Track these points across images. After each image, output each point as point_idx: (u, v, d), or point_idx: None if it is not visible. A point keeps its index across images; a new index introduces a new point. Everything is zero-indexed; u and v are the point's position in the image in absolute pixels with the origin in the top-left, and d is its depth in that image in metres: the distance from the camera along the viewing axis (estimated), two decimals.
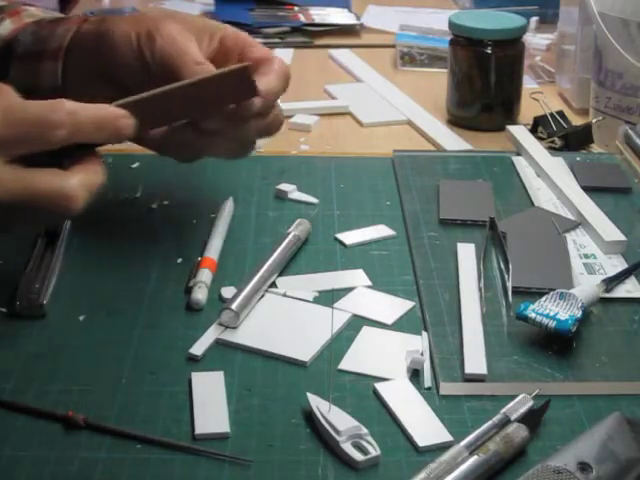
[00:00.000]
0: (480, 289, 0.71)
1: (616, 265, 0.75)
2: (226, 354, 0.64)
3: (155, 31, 0.70)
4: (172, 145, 0.72)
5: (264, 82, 0.68)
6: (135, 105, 0.62)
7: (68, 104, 0.58)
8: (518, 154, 0.95)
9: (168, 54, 0.69)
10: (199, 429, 0.57)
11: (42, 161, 0.58)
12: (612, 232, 0.78)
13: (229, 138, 0.71)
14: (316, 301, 0.70)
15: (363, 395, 0.61)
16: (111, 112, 0.60)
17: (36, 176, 0.57)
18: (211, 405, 0.59)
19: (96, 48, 0.72)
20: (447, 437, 0.57)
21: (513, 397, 0.58)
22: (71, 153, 0.59)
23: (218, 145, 0.72)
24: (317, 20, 1.42)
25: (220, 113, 0.67)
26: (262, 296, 0.70)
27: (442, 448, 0.55)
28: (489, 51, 1.02)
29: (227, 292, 0.70)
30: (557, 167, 0.90)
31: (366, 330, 0.67)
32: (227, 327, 0.66)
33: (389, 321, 0.68)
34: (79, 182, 0.58)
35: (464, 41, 1.03)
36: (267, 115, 0.71)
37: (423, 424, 0.58)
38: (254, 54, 0.73)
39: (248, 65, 0.65)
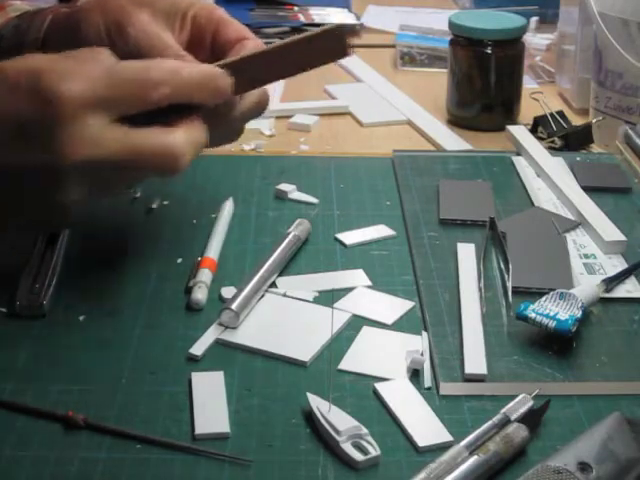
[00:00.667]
0: (480, 289, 0.71)
1: (616, 265, 0.75)
2: (226, 354, 0.64)
3: (125, 23, 0.67)
4: None
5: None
6: (233, 66, 0.62)
7: (168, 63, 0.59)
8: (518, 154, 0.95)
9: (144, 48, 0.67)
10: (199, 429, 0.57)
11: (146, 122, 0.58)
12: (612, 232, 0.78)
13: (218, 127, 0.68)
14: (316, 301, 0.70)
15: (363, 395, 0.61)
16: (211, 70, 0.60)
17: (141, 134, 0.57)
18: (211, 405, 0.59)
19: (68, 40, 0.71)
20: (447, 437, 0.57)
21: (513, 397, 0.58)
22: (173, 114, 0.59)
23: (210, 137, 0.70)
24: (317, 20, 1.42)
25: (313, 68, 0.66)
26: (262, 296, 0.70)
27: (442, 448, 0.55)
28: (489, 51, 1.02)
29: (227, 292, 0.70)
30: (557, 167, 0.90)
31: (366, 330, 0.67)
32: (227, 327, 0.66)
33: (389, 321, 0.68)
34: (185, 138, 0.58)
35: (464, 41, 1.03)
36: (247, 96, 0.68)
37: (423, 424, 0.58)
38: (227, 35, 0.70)
39: (342, 25, 0.64)
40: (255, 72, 0.64)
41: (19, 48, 0.73)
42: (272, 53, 0.64)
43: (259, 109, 0.71)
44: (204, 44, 0.71)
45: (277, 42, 0.64)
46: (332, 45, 0.64)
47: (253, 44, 0.69)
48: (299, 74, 0.66)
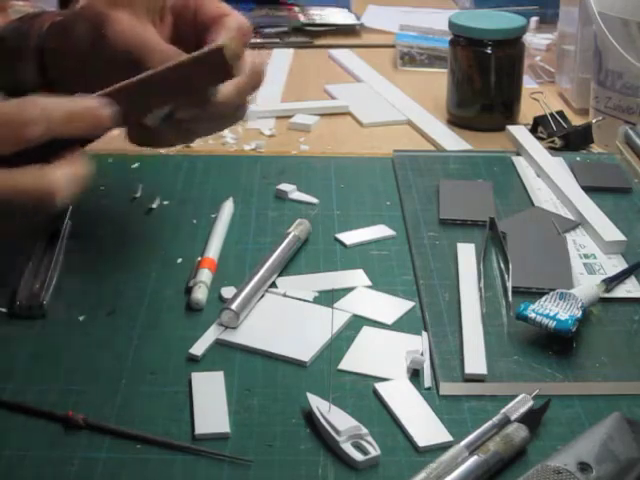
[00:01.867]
0: (480, 289, 0.71)
1: (616, 265, 0.75)
2: (226, 354, 0.64)
3: (106, 28, 0.67)
4: (154, 135, 0.70)
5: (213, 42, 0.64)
6: (114, 94, 0.60)
7: (41, 100, 0.57)
8: (518, 154, 0.95)
9: (122, 52, 0.66)
10: (199, 429, 0.57)
11: (27, 160, 0.57)
12: (612, 232, 0.78)
13: (206, 117, 0.68)
14: (316, 301, 0.70)
15: (363, 395, 0.61)
16: (88, 103, 0.59)
17: (16, 174, 0.56)
18: (211, 405, 0.59)
19: (64, 49, 0.70)
20: (447, 437, 0.57)
21: (513, 397, 0.58)
22: (58, 150, 0.58)
23: (199, 127, 0.69)
24: (317, 20, 1.42)
25: (198, 98, 0.64)
26: (262, 296, 0.70)
27: (442, 448, 0.55)
28: (489, 51, 1.02)
29: (227, 292, 0.70)
30: (557, 167, 0.90)
31: (366, 330, 0.67)
32: (227, 327, 0.66)
33: (389, 321, 0.68)
34: (61, 175, 0.57)
35: (464, 41, 1.03)
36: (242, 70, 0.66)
37: (423, 424, 0.58)
38: (206, 14, 0.69)
39: (223, 46, 0.62)
40: (139, 98, 0.62)
41: (18, 53, 0.73)
42: (156, 76, 0.62)
43: (255, 82, 0.69)
44: (187, 31, 0.69)
45: (160, 66, 0.62)
46: (216, 66, 0.62)
47: (233, 20, 0.68)
48: (187, 96, 0.65)
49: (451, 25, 1.04)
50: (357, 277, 0.74)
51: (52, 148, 0.57)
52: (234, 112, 0.71)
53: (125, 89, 0.61)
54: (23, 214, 0.58)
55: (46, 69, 0.72)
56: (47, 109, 0.57)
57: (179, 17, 0.71)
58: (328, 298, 0.70)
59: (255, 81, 0.69)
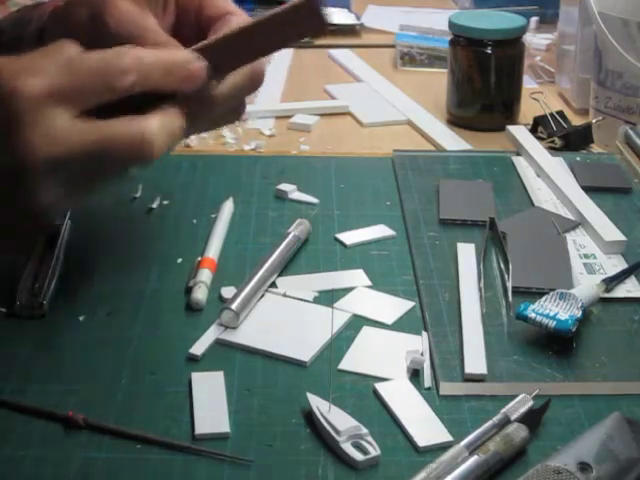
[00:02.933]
0: (480, 289, 0.71)
1: (616, 265, 0.75)
2: (226, 354, 0.64)
3: (105, 14, 0.65)
4: None
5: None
6: (208, 49, 0.60)
7: (134, 50, 0.56)
8: (518, 154, 0.95)
9: (122, 36, 0.64)
10: (199, 429, 0.57)
11: (118, 114, 0.55)
12: (612, 232, 0.78)
13: (202, 115, 0.66)
14: (316, 301, 0.70)
15: (363, 395, 0.61)
16: (180, 56, 0.58)
17: (109, 124, 0.54)
18: (211, 405, 0.59)
19: (62, 33, 0.70)
20: (447, 437, 0.57)
21: (513, 397, 0.58)
22: (146, 104, 0.56)
23: (195, 123, 0.69)
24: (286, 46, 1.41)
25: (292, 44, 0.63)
26: (262, 296, 0.70)
27: (442, 448, 0.55)
28: (489, 51, 1.02)
29: (227, 292, 0.70)
30: (557, 167, 0.90)
31: (366, 330, 0.67)
32: (227, 327, 0.66)
33: (389, 321, 0.68)
34: (157, 124, 0.55)
35: (464, 41, 1.03)
36: (236, 73, 0.65)
37: (423, 424, 0.58)
38: (210, 11, 0.68)
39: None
40: (232, 53, 0.61)
41: (19, 41, 0.73)
42: (247, 32, 0.61)
43: (254, 82, 0.67)
44: (189, 22, 0.69)
45: (250, 19, 0.61)
46: (307, 19, 0.61)
47: (237, 19, 0.67)
48: (277, 51, 0.64)
49: (451, 25, 1.04)
50: (357, 277, 0.74)
51: (143, 103, 0.56)
52: (232, 111, 0.71)
53: (217, 45, 0.60)
54: (118, 165, 0.57)
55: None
56: (142, 59, 0.56)
57: (183, 11, 0.70)
58: (328, 298, 0.70)
59: (255, 82, 0.69)
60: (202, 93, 0.62)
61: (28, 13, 0.75)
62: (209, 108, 0.66)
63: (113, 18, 0.66)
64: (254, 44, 0.62)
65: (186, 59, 0.58)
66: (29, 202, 0.54)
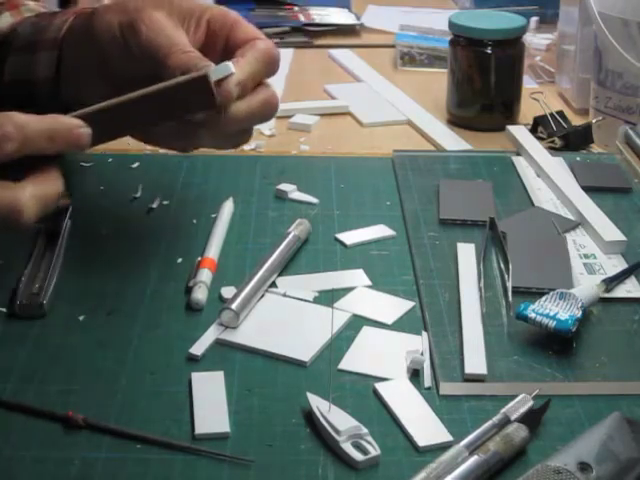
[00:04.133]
0: (480, 289, 0.71)
1: (616, 265, 0.75)
2: (226, 354, 0.64)
3: (139, 21, 0.68)
4: (158, 136, 0.71)
5: (239, 64, 0.65)
6: (92, 115, 0.61)
7: (17, 117, 0.57)
8: (518, 154, 0.95)
9: (154, 44, 0.67)
10: (199, 429, 0.57)
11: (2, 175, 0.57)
12: (612, 232, 0.78)
13: (212, 130, 0.68)
14: (316, 301, 0.70)
15: (363, 395, 0.61)
16: (64, 123, 0.59)
17: None
18: (211, 405, 0.59)
19: (85, 40, 0.71)
20: (447, 437, 0.57)
21: (513, 397, 0.58)
22: (31, 164, 0.58)
23: (202, 137, 0.69)
24: (317, 20, 1.42)
25: (181, 118, 0.65)
26: (262, 296, 0.70)
27: (442, 448, 0.55)
28: (489, 51, 1.02)
29: (227, 292, 0.70)
30: (557, 167, 0.90)
31: (366, 330, 0.67)
32: (227, 327, 0.66)
33: (389, 321, 0.68)
34: (30, 194, 0.57)
35: (464, 41, 1.03)
36: (251, 99, 0.67)
37: (423, 424, 0.58)
38: (239, 36, 0.70)
39: (205, 74, 0.63)
40: (118, 119, 0.63)
41: (34, 46, 0.73)
42: (134, 101, 0.62)
43: (267, 111, 0.69)
44: (217, 46, 0.71)
45: (139, 90, 0.62)
46: (198, 94, 0.62)
47: (263, 44, 0.69)
48: (164, 123, 0.65)
49: (451, 25, 1.04)
50: (357, 277, 0.74)
51: (26, 162, 0.57)
52: (241, 134, 0.71)
53: (103, 111, 0.61)
54: None
55: (61, 60, 0.72)
56: (23, 126, 0.57)
57: (214, 32, 0.72)
58: (328, 298, 0.70)
59: (268, 111, 0.70)
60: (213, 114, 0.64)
61: (46, 19, 0.75)
62: (215, 130, 0.67)
63: (146, 27, 0.68)
64: (139, 114, 0.63)
65: (70, 126, 0.59)
66: None
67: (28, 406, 0.59)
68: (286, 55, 1.29)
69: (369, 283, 0.73)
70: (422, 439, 0.56)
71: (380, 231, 0.80)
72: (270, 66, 0.69)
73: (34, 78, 0.73)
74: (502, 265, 0.74)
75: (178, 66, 0.65)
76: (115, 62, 0.70)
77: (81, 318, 0.68)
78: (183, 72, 0.64)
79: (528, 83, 1.14)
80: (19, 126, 0.57)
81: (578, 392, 0.61)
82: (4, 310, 0.68)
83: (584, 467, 0.51)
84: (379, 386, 0.61)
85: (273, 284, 0.72)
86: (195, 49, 0.68)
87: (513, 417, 0.57)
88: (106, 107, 0.62)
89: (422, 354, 0.64)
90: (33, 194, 0.57)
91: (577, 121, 1.03)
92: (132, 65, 0.69)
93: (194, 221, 0.81)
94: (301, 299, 0.70)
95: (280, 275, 0.73)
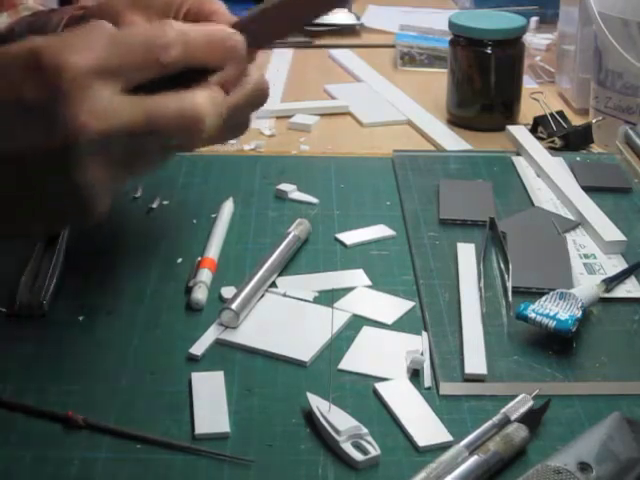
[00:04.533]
0: (480, 289, 0.71)
1: (616, 265, 0.75)
2: (226, 354, 0.64)
3: (119, 26, 0.64)
4: None
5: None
6: (242, 25, 0.60)
7: (177, 23, 0.55)
8: (518, 154, 0.95)
9: None
10: (199, 429, 0.57)
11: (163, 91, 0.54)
12: (612, 232, 0.78)
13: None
14: (316, 301, 0.70)
15: (363, 395, 0.61)
16: (220, 29, 0.57)
17: (157, 98, 0.53)
18: (211, 405, 0.59)
19: None
20: (447, 437, 0.57)
21: (513, 397, 0.58)
22: (189, 82, 0.55)
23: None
24: (317, 20, 1.41)
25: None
26: (262, 296, 0.70)
27: (442, 448, 0.55)
28: (489, 51, 1.02)
29: (227, 292, 0.70)
30: (557, 167, 0.90)
31: (366, 330, 0.67)
32: (227, 327, 0.66)
33: (389, 321, 0.68)
34: (206, 98, 0.54)
35: (464, 41, 1.03)
36: (239, 90, 0.65)
37: (423, 424, 0.58)
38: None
39: None
40: (264, 28, 0.61)
41: None
42: (278, 7, 0.61)
43: (259, 98, 0.67)
44: None
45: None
46: None
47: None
48: (304, 26, 0.64)
49: (451, 25, 1.04)
50: (357, 277, 0.73)
51: (184, 80, 0.55)
52: (237, 126, 0.71)
53: (257, 18, 0.61)
54: (167, 142, 0.55)
55: None
56: (185, 32, 0.55)
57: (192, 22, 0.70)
58: (328, 298, 0.70)
59: (259, 97, 0.69)
60: (240, 72, 0.61)
61: (43, 16, 0.75)
62: (233, 110, 0.66)
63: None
64: (284, 19, 0.62)
65: (227, 33, 0.58)
66: (76, 180, 0.52)
67: (28, 406, 0.59)
68: (286, 55, 1.29)
69: (369, 283, 0.73)
70: (422, 439, 0.56)
71: (380, 231, 0.80)
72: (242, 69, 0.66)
73: None
74: (502, 265, 0.74)
75: None
76: None
77: (81, 318, 0.68)
78: None
79: (528, 83, 1.14)
80: (180, 31, 0.54)
81: (578, 392, 0.61)
82: (4, 310, 0.68)
83: (584, 467, 0.51)
84: (379, 386, 0.61)
85: (273, 284, 0.72)
86: None
87: (513, 417, 0.57)
88: (256, 15, 0.61)
89: (422, 354, 0.64)
90: (208, 98, 0.55)
91: (577, 121, 1.03)
92: None
93: (194, 221, 0.81)
94: (301, 299, 0.70)
95: (280, 275, 0.73)
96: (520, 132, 0.98)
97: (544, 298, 0.66)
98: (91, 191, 0.53)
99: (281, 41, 0.64)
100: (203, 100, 0.54)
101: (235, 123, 0.68)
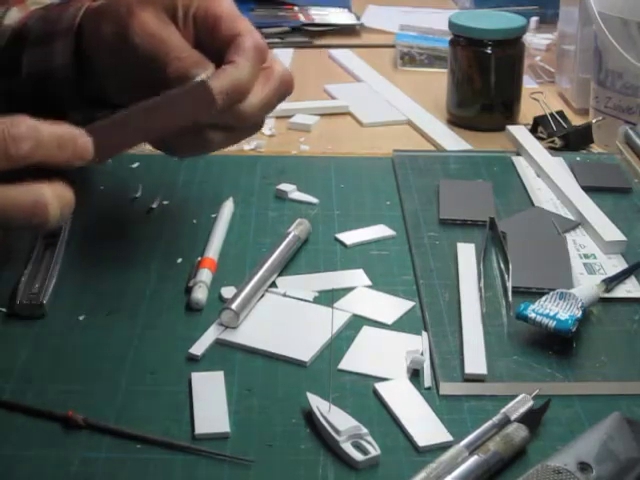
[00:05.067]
0: (480, 289, 0.71)
1: (616, 265, 0.75)
2: (226, 354, 0.64)
3: (132, 33, 0.67)
4: (171, 142, 0.70)
5: (226, 73, 0.65)
6: (98, 129, 0.60)
7: (29, 119, 0.56)
8: (518, 154, 0.95)
9: (148, 53, 0.66)
10: (199, 429, 0.57)
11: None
12: (612, 232, 0.78)
13: (228, 130, 0.68)
14: (316, 301, 0.70)
15: (363, 395, 0.61)
16: (71, 131, 0.58)
17: (7, 188, 0.55)
18: (211, 405, 0.59)
19: (95, 35, 0.70)
20: (447, 437, 0.57)
21: (513, 397, 0.58)
22: (38, 175, 0.57)
23: (219, 139, 0.69)
24: (317, 20, 1.42)
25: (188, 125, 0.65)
26: (262, 296, 0.70)
27: (442, 448, 0.55)
28: (489, 51, 1.02)
29: (227, 292, 0.70)
30: (557, 167, 0.90)
31: (366, 330, 0.67)
32: (227, 327, 0.66)
33: (389, 321, 0.68)
34: (53, 193, 0.56)
35: (464, 41, 1.03)
36: (262, 89, 0.67)
37: (423, 424, 0.58)
38: (222, 33, 0.68)
39: (204, 81, 0.63)
40: (120, 134, 0.62)
41: (50, 37, 0.73)
42: (139, 114, 0.62)
43: (284, 90, 0.69)
44: (208, 42, 0.69)
45: (142, 102, 0.62)
46: (199, 99, 0.63)
47: (247, 40, 0.67)
48: (168, 132, 0.64)
49: (451, 25, 1.04)
50: (357, 277, 0.74)
51: (32, 174, 0.57)
52: (251, 127, 0.71)
53: (108, 126, 0.61)
54: (17, 228, 0.57)
55: (82, 49, 0.72)
56: (36, 128, 0.56)
57: (200, 27, 0.70)
58: (328, 298, 0.70)
59: (286, 89, 0.70)
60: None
61: (55, 10, 0.75)
62: (242, 121, 0.66)
63: (137, 35, 0.67)
64: (144, 126, 0.62)
65: (74, 133, 0.58)
66: None
67: (28, 406, 0.59)
68: (286, 55, 1.29)
69: (369, 283, 0.73)
70: (422, 439, 0.56)
71: (380, 231, 0.80)
72: (263, 57, 0.68)
73: (52, 68, 0.72)
74: (502, 265, 0.74)
75: (177, 77, 0.65)
76: (120, 61, 0.69)
77: (81, 318, 0.68)
78: (183, 81, 0.64)
79: (528, 83, 1.14)
80: (32, 127, 0.56)
81: (578, 392, 0.61)
82: (4, 310, 0.68)
83: (584, 467, 0.51)
84: (379, 386, 0.61)
85: (273, 284, 0.72)
86: (189, 45, 0.67)
87: (513, 417, 0.57)
88: (107, 123, 0.61)
89: (422, 354, 0.64)
90: (56, 193, 0.56)
91: (577, 121, 1.03)
92: (134, 67, 0.68)
93: (194, 221, 0.81)
94: (301, 299, 0.70)
95: (280, 275, 0.73)
96: (520, 132, 0.98)
97: (544, 298, 0.66)
98: None
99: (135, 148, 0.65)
100: (50, 192, 0.56)
101: (258, 119, 0.69)
